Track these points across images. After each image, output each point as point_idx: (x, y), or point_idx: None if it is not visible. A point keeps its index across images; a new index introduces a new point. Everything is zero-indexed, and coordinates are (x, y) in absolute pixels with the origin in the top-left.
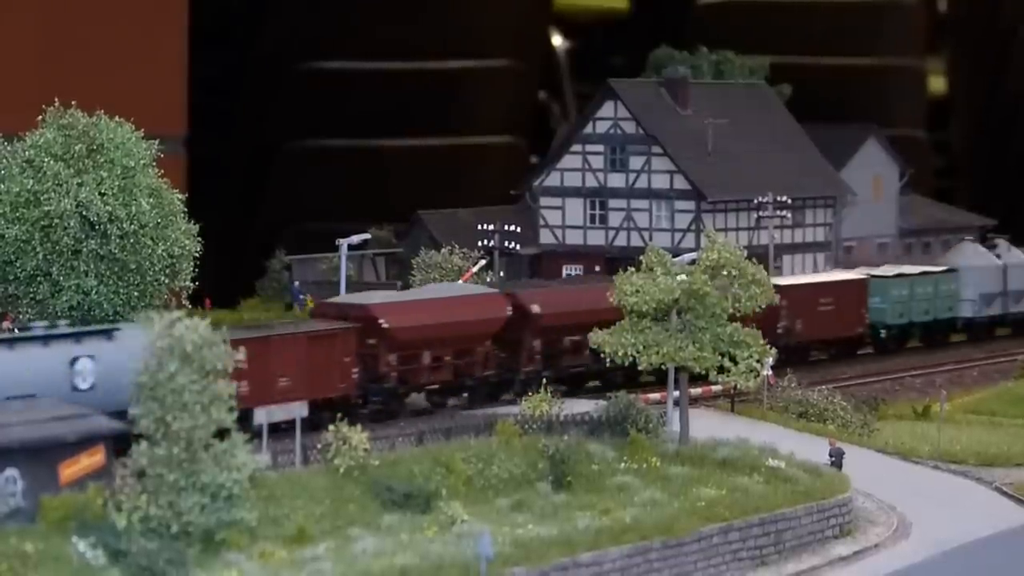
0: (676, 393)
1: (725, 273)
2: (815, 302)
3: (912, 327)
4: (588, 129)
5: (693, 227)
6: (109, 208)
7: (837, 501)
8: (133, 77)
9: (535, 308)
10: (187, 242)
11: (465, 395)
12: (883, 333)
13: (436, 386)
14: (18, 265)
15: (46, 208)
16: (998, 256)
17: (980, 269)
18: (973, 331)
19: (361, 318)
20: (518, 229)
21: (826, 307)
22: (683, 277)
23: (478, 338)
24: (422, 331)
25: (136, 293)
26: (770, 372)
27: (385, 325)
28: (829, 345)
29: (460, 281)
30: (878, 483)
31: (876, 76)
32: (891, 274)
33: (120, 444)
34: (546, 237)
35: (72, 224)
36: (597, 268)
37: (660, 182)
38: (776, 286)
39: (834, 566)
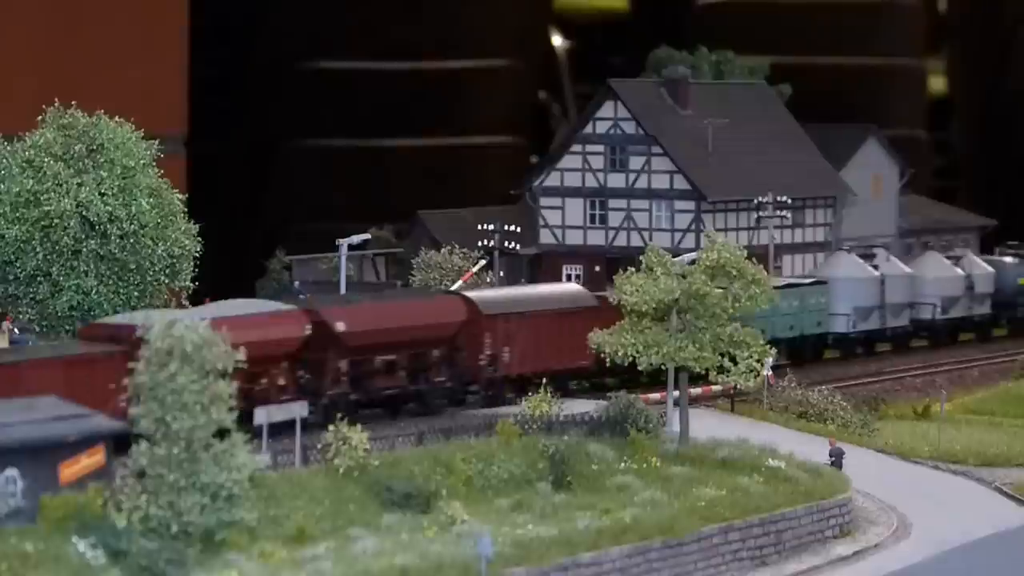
0: (676, 393)
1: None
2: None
3: (774, 344)
4: (588, 129)
5: (693, 227)
6: (109, 208)
7: (837, 501)
8: (133, 77)
9: (340, 326)
10: (187, 242)
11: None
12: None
13: None
14: (18, 265)
15: (46, 208)
16: (875, 267)
17: (854, 281)
18: (846, 348)
19: (129, 340)
20: (518, 229)
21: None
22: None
23: (272, 360)
24: None
25: (136, 293)
26: (770, 372)
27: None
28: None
29: (460, 282)
30: (878, 483)
31: (876, 76)
32: (780, 284)
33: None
34: (546, 237)
35: (72, 224)
36: (597, 268)
37: (660, 182)
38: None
39: (834, 566)
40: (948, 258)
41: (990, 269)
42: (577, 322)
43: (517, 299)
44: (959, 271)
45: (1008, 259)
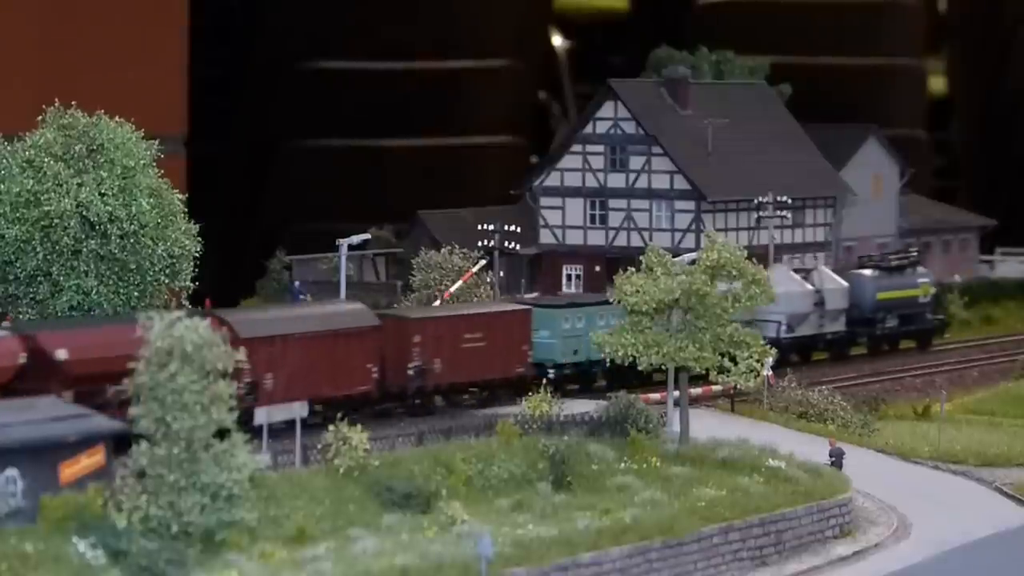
0: (676, 393)
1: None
2: (458, 338)
3: (593, 366)
4: (588, 129)
5: (693, 227)
6: (109, 208)
7: (837, 501)
8: (133, 77)
9: (61, 353)
10: (187, 242)
11: None
12: (551, 373)
13: None
14: (18, 265)
15: (46, 208)
16: (807, 279)
17: None
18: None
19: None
20: (518, 229)
21: (474, 343)
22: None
23: None
24: None
25: (136, 293)
26: (770, 372)
27: None
28: (482, 388)
29: (460, 282)
30: (878, 483)
31: (876, 76)
32: (562, 303)
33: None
34: (546, 237)
35: (72, 224)
36: (597, 268)
37: (660, 182)
38: (410, 319)
39: (834, 566)
40: (797, 272)
41: (844, 283)
42: (355, 344)
43: (283, 320)
44: (808, 286)
45: (867, 272)
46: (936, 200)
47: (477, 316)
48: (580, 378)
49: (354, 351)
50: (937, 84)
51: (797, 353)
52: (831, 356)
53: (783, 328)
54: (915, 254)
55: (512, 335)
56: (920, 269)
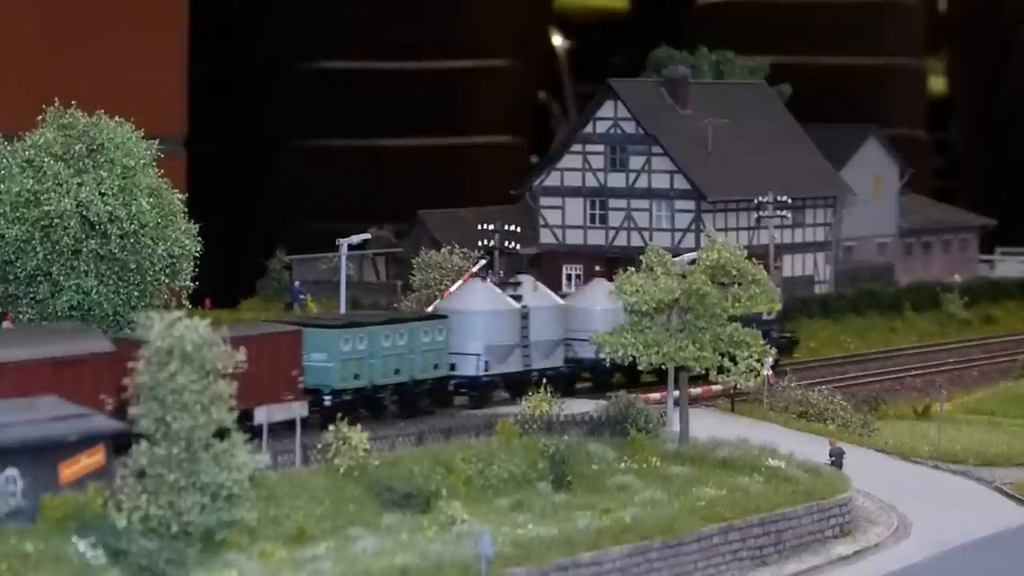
0: (676, 393)
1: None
2: None
3: (378, 391)
4: (588, 129)
5: (693, 227)
6: (109, 208)
7: (837, 501)
8: (133, 77)
9: None
10: (187, 242)
11: None
12: (327, 400)
13: None
14: (18, 265)
15: (46, 208)
16: (518, 298)
17: (487, 314)
18: (478, 392)
19: None
20: (518, 229)
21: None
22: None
23: None
24: None
25: (136, 293)
26: (770, 372)
27: None
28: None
29: (460, 281)
30: (878, 483)
31: (876, 76)
32: (341, 322)
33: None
34: (546, 237)
35: (72, 224)
36: (597, 268)
37: (660, 182)
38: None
39: (834, 566)
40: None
41: None
42: (85, 374)
43: None
44: None
45: None
46: (936, 200)
47: (237, 339)
48: (364, 404)
49: (83, 381)
50: (937, 84)
51: (628, 377)
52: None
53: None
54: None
55: (279, 359)
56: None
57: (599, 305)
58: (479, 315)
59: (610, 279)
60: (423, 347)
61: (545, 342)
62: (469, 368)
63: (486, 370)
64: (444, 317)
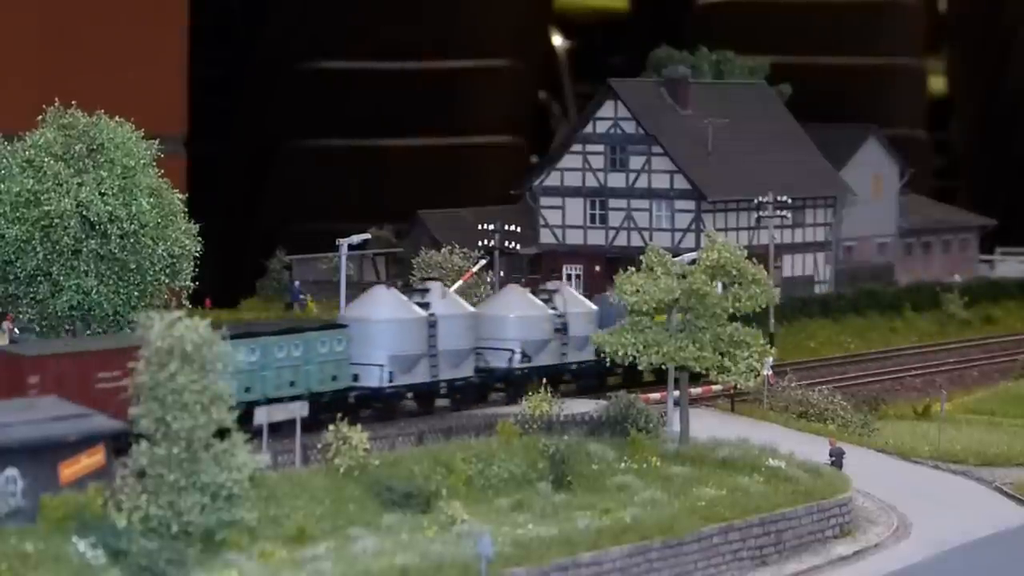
0: (676, 393)
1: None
2: (89, 377)
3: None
4: (588, 129)
5: (693, 227)
6: (109, 208)
7: (837, 501)
8: (133, 77)
9: None
10: (187, 242)
11: None
12: None
13: None
14: (18, 265)
15: (46, 208)
16: (426, 305)
17: (391, 323)
18: (382, 404)
19: None
20: (518, 229)
21: (111, 384)
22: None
23: None
24: None
25: (136, 293)
26: (770, 372)
27: None
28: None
29: (460, 281)
30: (878, 483)
31: (876, 76)
32: (229, 333)
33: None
34: (546, 237)
35: (72, 224)
36: (597, 268)
37: (660, 182)
38: (25, 357)
39: (834, 566)
40: (537, 293)
41: (592, 307)
42: None
43: None
44: (548, 310)
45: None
46: (936, 200)
47: (115, 352)
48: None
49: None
50: (937, 84)
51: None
52: (579, 389)
53: (517, 357)
54: None
55: None
56: None
57: (513, 312)
58: (383, 324)
59: (610, 279)
60: (320, 358)
61: (454, 351)
62: (372, 379)
63: (390, 381)
64: (343, 326)
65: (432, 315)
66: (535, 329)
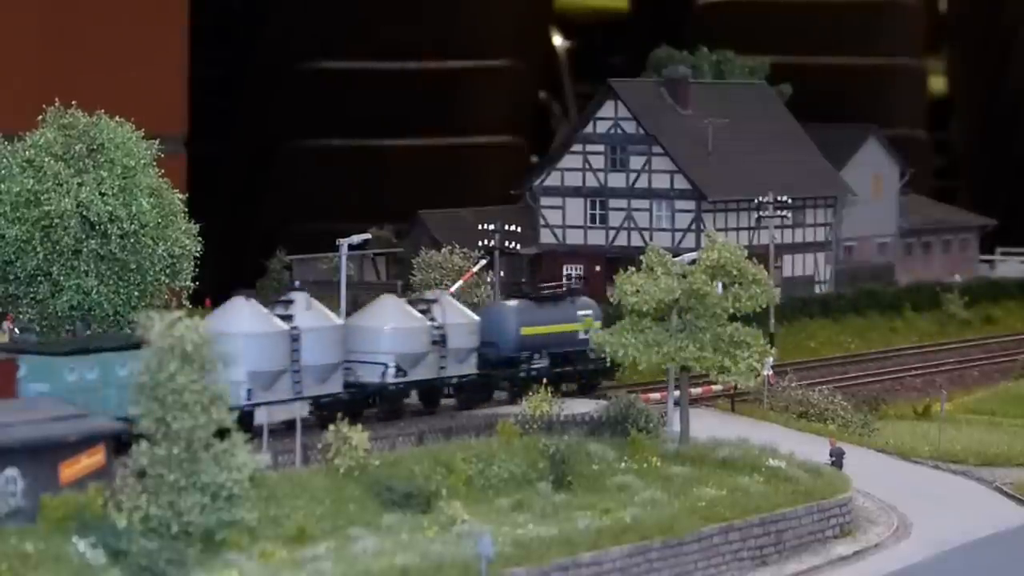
0: (676, 393)
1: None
2: None
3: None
4: (588, 129)
5: (693, 227)
6: (109, 208)
7: (837, 501)
8: (133, 77)
9: None
10: (187, 242)
11: None
12: None
13: None
14: (18, 265)
15: (46, 208)
16: (288, 318)
17: (245, 337)
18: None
19: None
20: (518, 229)
21: None
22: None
23: None
24: None
25: (136, 293)
26: (770, 372)
27: None
28: None
29: (460, 281)
30: (878, 483)
31: (876, 76)
32: (65, 348)
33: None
34: (546, 237)
35: (72, 224)
36: (597, 268)
37: (660, 182)
38: None
39: (834, 566)
40: (414, 303)
41: (474, 318)
42: None
43: None
44: (425, 321)
45: (508, 304)
46: (936, 200)
47: None
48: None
49: None
50: (937, 84)
51: (425, 403)
52: (459, 404)
53: (391, 371)
54: (577, 283)
55: None
56: (583, 300)
57: (387, 324)
58: (240, 338)
59: (610, 279)
60: (121, 382)
61: (319, 366)
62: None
63: (249, 399)
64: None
65: (295, 328)
66: (411, 341)
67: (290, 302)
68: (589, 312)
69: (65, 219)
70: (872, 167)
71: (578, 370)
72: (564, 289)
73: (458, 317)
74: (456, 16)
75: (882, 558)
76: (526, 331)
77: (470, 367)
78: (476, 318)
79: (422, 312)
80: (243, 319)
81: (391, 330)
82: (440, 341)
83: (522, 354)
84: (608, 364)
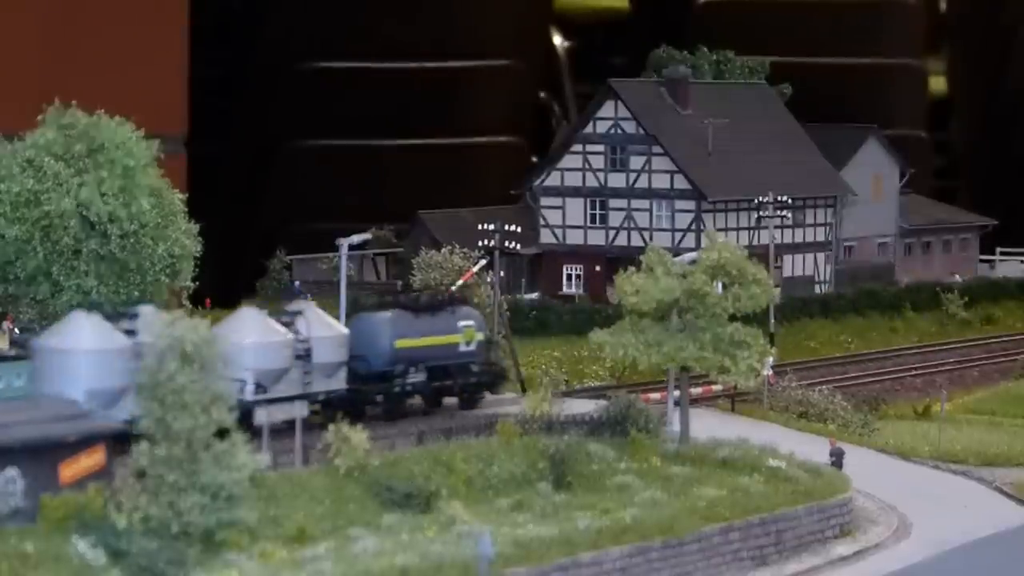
0: (676, 393)
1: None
2: None
3: None
4: (588, 129)
5: (693, 227)
6: (109, 208)
7: (837, 501)
8: (133, 77)
9: None
10: (187, 242)
11: None
12: None
13: None
14: (18, 265)
15: (46, 208)
16: (131, 332)
17: (90, 354)
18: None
19: None
20: (518, 229)
21: None
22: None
23: None
24: None
25: (136, 293)
26: (770, 372)
27: None
28: None
29: (460, 281)
30: (878, 483)
31: (876, 76)
32: None
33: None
34: (546, 237)
35: (72, 224)
36: (597, 268)
37: (660, 182)
38: None
39: (834, 566)
40: (277, 315)
41: (341, 331)
42: None
43: None
44: (287, 335)
45: (380, 315)
46: (936, 200)
47: None
48: None
49: None
50: (937, 84)
51: (286, 422)
52: (325, 421)
53: (249, 388)
54: (456, 293)
55: None
56: (464, 310)
57: (246, 338)
58: (80, 354)
59: (610, 279)
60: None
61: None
62: None
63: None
64: (24, 359)
65: (139, 344)
66: (271, 357)
67: (135, 316)
68: (471, 323)
69: (65, 219)
70: (872, 167)
71: (459, 384)
72: (443, 298)
73: (324, 330)
74: (456, 16)
75: (882, 558)
76: (401, 344)
77: (338, 382)
78: (344, 331)
79: (285, 325)
80: (83, 334)
81: (249, 344)
82: (304, 355)
83: (396, 368)
84: (493, 376)
